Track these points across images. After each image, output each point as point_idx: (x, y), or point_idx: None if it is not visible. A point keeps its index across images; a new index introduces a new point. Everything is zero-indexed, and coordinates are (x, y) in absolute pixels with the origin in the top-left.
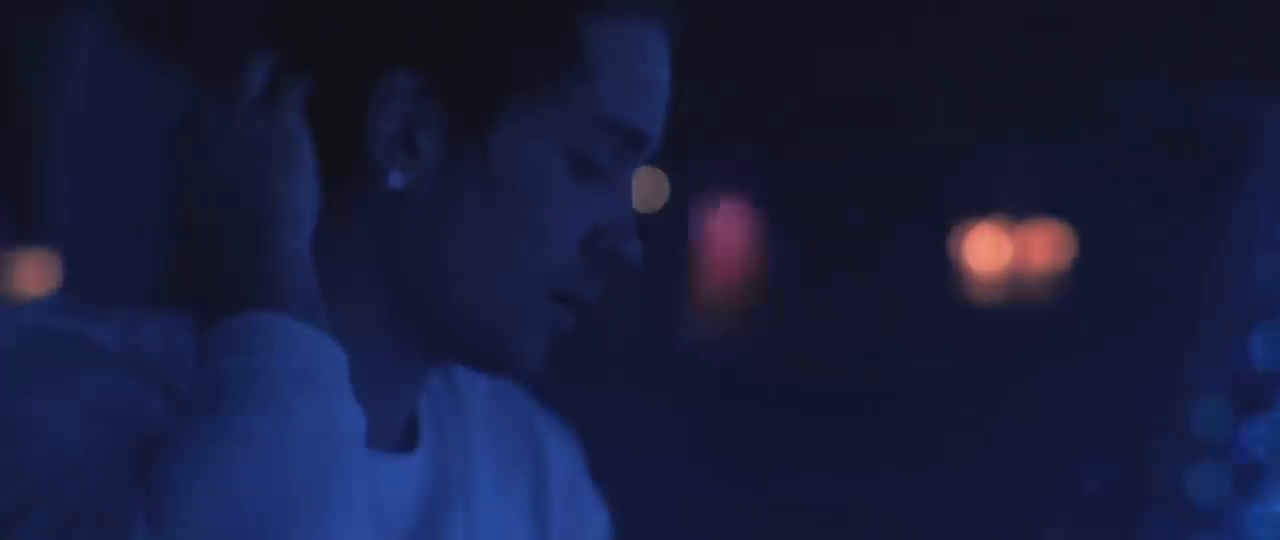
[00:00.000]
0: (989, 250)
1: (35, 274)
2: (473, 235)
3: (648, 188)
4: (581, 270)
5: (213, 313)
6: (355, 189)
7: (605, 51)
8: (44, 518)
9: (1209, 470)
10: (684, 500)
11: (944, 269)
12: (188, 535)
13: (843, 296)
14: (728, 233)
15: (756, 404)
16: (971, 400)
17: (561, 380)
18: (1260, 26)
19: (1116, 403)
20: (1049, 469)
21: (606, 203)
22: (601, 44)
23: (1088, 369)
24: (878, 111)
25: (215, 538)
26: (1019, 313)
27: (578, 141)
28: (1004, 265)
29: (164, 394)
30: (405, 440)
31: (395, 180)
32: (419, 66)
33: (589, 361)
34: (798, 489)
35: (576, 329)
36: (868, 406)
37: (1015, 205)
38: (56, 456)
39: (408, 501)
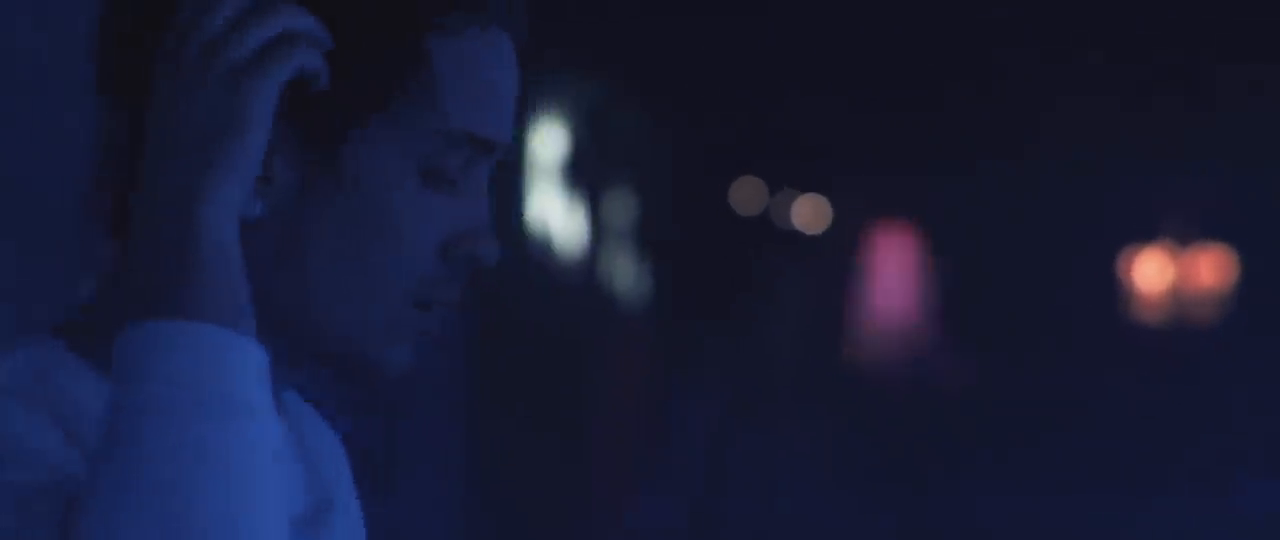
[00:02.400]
0: (1155, 273)
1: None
2: (331, 255)
3: (811, 212)
4: (441, 277)
5: (130, 308)
6: None
7: (451, 66)
8: None
9: None
10: (852, 516)
11: (1110, 291)
12: None
13: (1007, 318)
14: (892, 256)
15: (922, 423)
16: (1137, 419)
17: (732, 401)
18: None
19: None
20: (1215, 487)
21: (462, 209)
22: (446, 59)
23: (1253, 389)
24: (1043, 136)
25: None
26: (1185, 334)
27: (428, 154)
28: (1169, 287)
29: (58, 427)
30: None
31: (252, 209)
32: None
33: (759, 382)
34: (962, 506)
35: (739, 351)
36: (1034, 425)
37: (1181, 229)
38: None
39: (292, 492)
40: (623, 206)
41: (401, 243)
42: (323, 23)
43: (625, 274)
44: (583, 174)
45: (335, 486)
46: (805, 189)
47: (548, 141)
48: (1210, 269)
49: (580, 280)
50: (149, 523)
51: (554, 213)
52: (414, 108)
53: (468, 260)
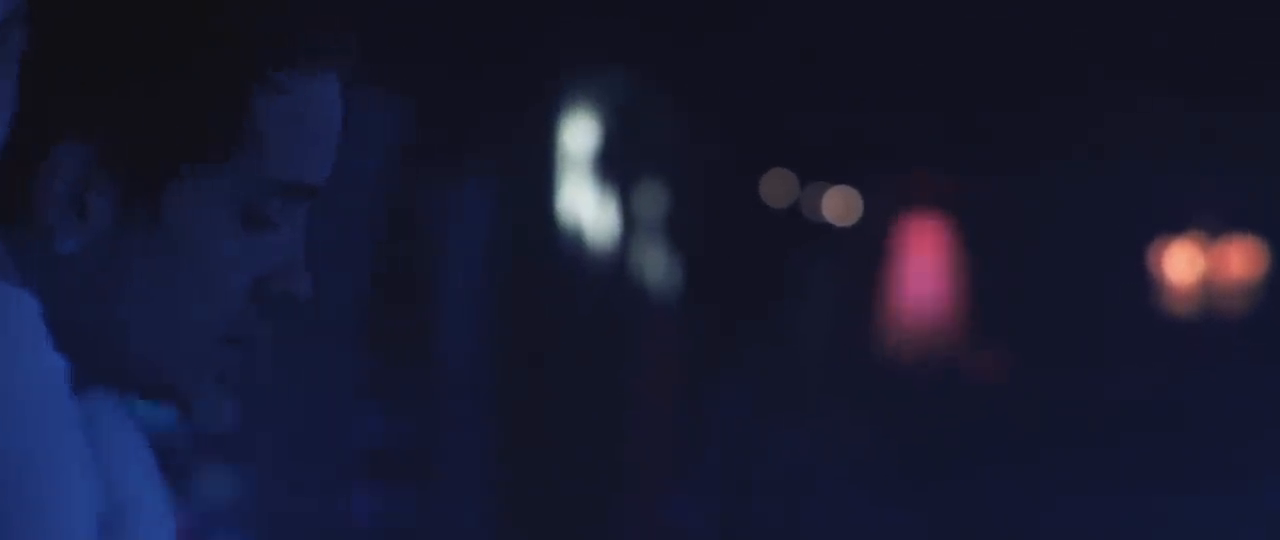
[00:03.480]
0: (1185, 265)
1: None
2: (145, 294)
3: (841, 205)
4: (252, 313)
5: None
6: (22, 244)
7: (275, 119)
8: None
9: None
10: (881, 512)
11: (1141, 286)
12: None
13: (1036, 311)
14: (922, 248)
15: (952, 417)
16: (1168, 415)
17: (761, 394)
18: None
19: None
20: (1248, 484)
21: (277, 248)
22: (271, 113)
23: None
24: (1072, 130)
25: None
26: (1215, 328)
27: (248, 200)
28: (1199, 280)
29: None
30: None
31: (66, 245)
32: (91, 135)
33: (789, 375)
34: (992, 502)
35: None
36: (1063, 418)
37: (1211, 222)
38: None
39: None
40: (653, 200)
41: (216, 286)
42: (148, 73)
43: (656, 267)
44: (614, 168)
45: (134, 488)
46: (835, 182)
47: (579, 136)
48: (1240, 261)
49: (611, 273)
50: None
51: (585, 206)
52: (237, 159)
53: (281, 296)
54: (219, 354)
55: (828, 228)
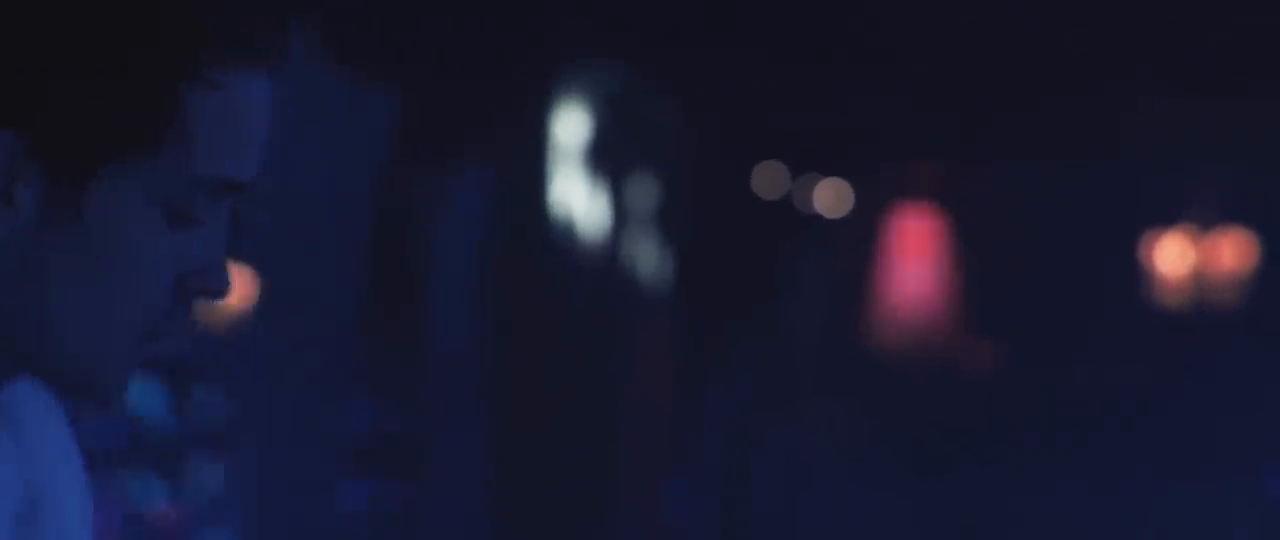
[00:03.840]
0: (1176, 257)
1: (234, 285)
2: (68, 286)
3: (832, 197)
4: (172, 310)
5: None
6: None
7: (204, 114)
8: None
9: None
10: (878, 506)
11: (1135, 278)
12: None
13: (1030, 304)
14: (914, 240)
15: (946, 411)
16: (1163, 407)
17: (754, 387)
18: None
19: None
20: (1244, 474)
21: (200, 245)
22: (201, 109)
23: (1274, 374)
24: (1065, 121)
25: None
26: (1208, 319)
27: (174, 196)
28: (1190, 272)
29: None
30: None
31: None
32: (20, 126)
33: (781, 367)
34: (988, 495)
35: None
36: (1055, 411)
37: (1203, 215)
38: None
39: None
40: (645, 193)
41: (139, 282)
42: (80, 66)
43: (648, 260)
44: (606, 161)
45: (52, 478)
46: (827, 174)
47: (571, 130)
48: (1232, 254)
49: (603, 267)
50: None
51: (578, 200)
52: (165, 154)
53: (200, 293)
54: (138, 348)
55: (819, 220)
